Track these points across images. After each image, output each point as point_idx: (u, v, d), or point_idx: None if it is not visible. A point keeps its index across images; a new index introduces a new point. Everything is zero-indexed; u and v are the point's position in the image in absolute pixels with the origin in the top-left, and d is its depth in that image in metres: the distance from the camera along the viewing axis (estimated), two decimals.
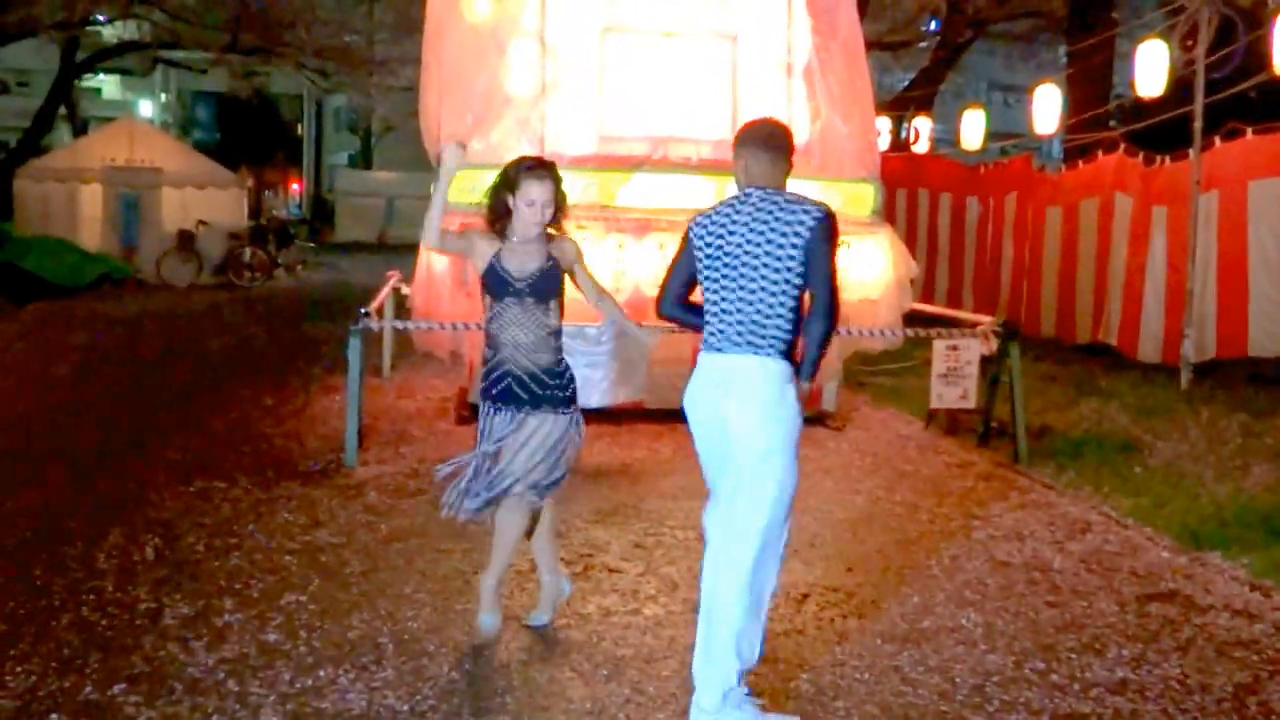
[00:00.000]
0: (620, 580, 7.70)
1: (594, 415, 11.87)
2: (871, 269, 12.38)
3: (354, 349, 10.95)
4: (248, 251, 30.01)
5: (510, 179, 6.43)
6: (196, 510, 9.03)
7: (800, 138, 12.38)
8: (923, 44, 32.07)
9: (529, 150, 12.25)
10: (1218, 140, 15.60)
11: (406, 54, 30.03)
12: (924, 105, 28.15)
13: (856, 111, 12.81)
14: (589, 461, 11.01)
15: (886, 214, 13.33)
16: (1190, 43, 15.71)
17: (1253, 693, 6.18)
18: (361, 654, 6.33)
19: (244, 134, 60.99)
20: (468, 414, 12.50)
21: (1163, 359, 16.22)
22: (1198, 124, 15.13)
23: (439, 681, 6.04)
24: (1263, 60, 14.73)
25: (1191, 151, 15.26)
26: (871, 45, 20.72)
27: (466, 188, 12.14)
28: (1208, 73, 15.35)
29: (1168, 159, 16.57)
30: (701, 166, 12.32)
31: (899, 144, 26.44)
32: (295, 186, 71.93)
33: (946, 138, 28.38)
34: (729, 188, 12.40)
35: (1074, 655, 6.59)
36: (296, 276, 31.93)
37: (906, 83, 32.72)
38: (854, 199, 12.38)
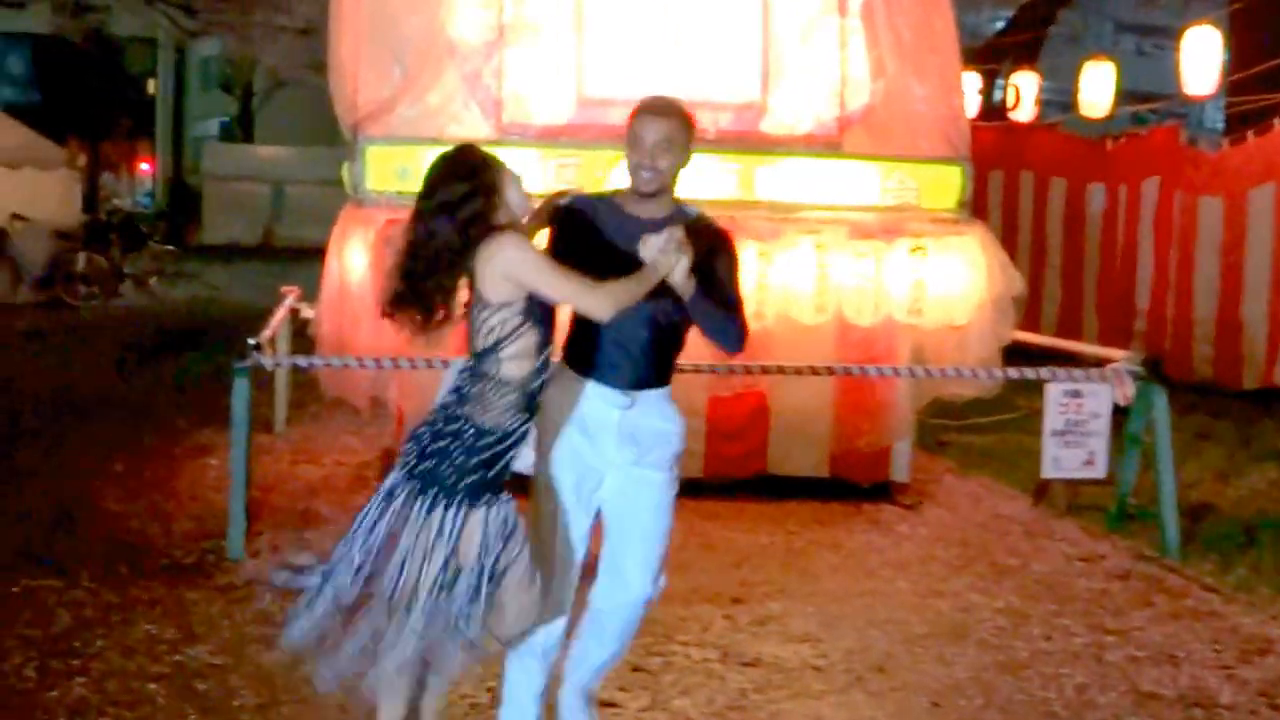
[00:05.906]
0: (618, 718, 7.75)
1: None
2: (957, 284, 12.19)
3: (239, 394, 10.88)
4: (82, 258, 29.89)
5: None
6: (21, 620, 9.01)
7: (857, 100, 12.38)
8: None
9: (479, 118, 12.28)
10: None
11: None
12: (1027, 56, 28.26)
13: (935, 65, 12.67)
14: None
15: (977, 207, 13.28)
16: None
17: None
18: None
19: (75, 94, 60.88)
20: None
21: None
22: None
23: None
24: None
25: None
26: None
27: (392, 171, 12.16)
28: None
29: None
30: (721, 140, 12.27)
31: (992, 110, 26.57)
32: (146, 166, 71.81)
33: (1059, 100, 28.52)
34: (757, 168, 12.46)
35: None
36: (151, 292, 31.83)
37: (1003, 24, 32.82)
38: (933, 187, 12.21)
